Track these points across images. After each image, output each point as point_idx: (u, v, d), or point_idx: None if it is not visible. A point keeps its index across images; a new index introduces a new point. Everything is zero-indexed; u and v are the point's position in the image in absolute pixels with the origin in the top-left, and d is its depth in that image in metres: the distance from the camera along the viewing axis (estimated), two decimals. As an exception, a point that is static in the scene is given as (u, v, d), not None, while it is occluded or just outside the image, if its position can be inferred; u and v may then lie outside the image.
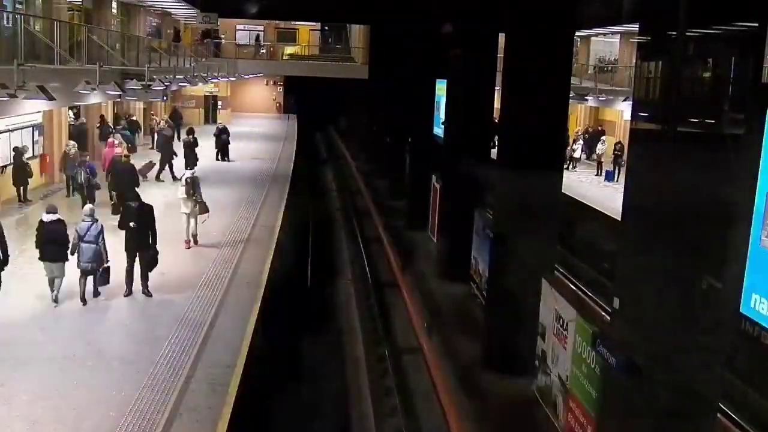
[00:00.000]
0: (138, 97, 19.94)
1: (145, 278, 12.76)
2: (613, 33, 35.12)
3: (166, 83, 19.80)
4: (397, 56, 27.19)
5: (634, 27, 13.10)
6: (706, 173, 6.77)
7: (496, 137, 15.48)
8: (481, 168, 15.99)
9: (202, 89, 38.86)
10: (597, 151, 29.50)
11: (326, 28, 49.10)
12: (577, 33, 31.91)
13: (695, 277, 6.81)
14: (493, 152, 15.77)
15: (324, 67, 43.25)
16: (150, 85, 17.85)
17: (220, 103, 42.32)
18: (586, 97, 28.29)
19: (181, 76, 24.99)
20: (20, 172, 18.68)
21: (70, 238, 12.05)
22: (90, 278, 12.27)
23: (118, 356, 10.38)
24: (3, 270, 11.43)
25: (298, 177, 27.76)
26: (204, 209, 15.91)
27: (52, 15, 20.59)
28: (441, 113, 19.97)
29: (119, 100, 24.36)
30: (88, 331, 11.21)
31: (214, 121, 40.85)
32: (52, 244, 11.91)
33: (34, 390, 9.22)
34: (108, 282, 12.63)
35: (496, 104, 16.48)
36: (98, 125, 25.92)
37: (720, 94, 7.04)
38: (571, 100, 16.55)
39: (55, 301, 11.98)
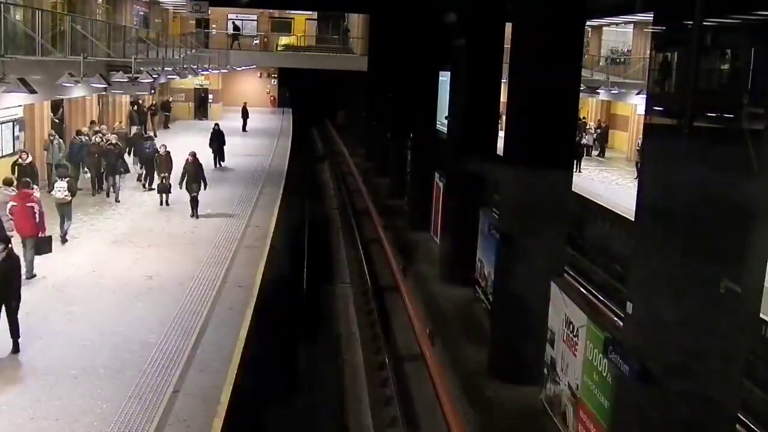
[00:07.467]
0: (124, 91, 19.95)
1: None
2: (626, 23, 35.10)
3: (153, 75, 19.83)
4: (398, 46, 27.19)
5: (649, 16, 13.11)
6: (724, 170, 6.77)
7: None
8: (487, 165, 15.99)
9: (191, 82, 38.91)
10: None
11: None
12: (588, 22, 31.91)
13: (713, 279, 6.80)
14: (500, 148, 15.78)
15: (320, 58, 43.26)
16: (137, 78, 17.86)
17: (211, 96, 42.34)
18: (598, 90, 28.30)
19: (170, 68, 25.03)
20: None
21: None
22: None
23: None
24: None
25: (293, 175, 27.77)
26: None
27: (33, 3, 20.58)
28: (444, 107, 19.97)
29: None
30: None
31: (205, 116, 40.93)
32: None
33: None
34: None
35: (503, 98, 16.54)
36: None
37: (739, 86, 7.04)
38: (581, 94, 16.54)
39: None
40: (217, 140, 26.89)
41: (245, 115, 38.32)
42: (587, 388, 9.43)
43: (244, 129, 37.77)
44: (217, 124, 27.52)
